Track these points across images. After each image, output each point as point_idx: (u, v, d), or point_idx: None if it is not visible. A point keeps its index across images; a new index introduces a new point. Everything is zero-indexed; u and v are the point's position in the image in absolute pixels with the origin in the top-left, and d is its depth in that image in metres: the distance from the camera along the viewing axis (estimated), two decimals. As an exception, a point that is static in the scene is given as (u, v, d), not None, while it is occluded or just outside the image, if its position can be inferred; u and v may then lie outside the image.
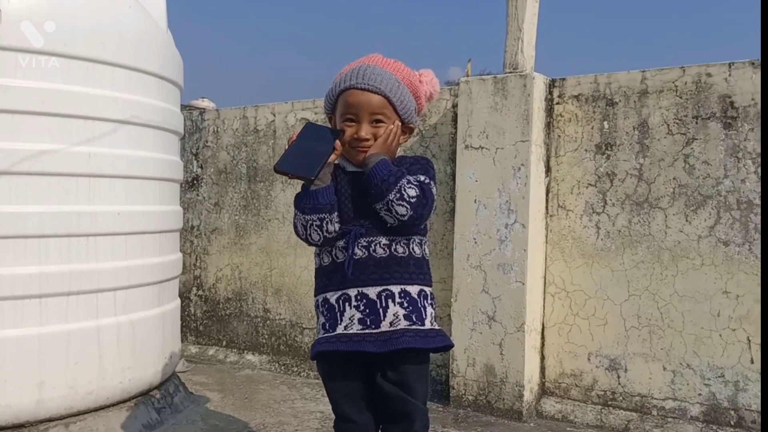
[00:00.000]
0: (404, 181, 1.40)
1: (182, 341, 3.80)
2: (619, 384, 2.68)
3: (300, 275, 3.50)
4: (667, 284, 2.57)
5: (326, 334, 1.47)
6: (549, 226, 2.83)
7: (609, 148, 2.70)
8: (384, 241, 1.45)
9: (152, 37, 2.59)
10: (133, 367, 2.50)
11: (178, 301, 2.97)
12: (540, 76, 2.76)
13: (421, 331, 1.44)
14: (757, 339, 2.42)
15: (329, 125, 1.57)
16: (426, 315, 1.47)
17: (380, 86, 1.45)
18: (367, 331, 1.43)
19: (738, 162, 2.45)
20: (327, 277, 1.50)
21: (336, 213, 1.45)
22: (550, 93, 2.82)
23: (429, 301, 1.50)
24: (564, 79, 2.80)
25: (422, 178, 1.45)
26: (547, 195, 2.83)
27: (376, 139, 1.46)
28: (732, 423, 2.46)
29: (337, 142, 1.44)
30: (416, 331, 1.43)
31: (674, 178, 2.56)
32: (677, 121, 2.56)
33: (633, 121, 2.64)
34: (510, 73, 2.78)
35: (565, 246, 2.79)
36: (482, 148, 2.79)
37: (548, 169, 2.83)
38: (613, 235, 2.69)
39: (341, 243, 1.46)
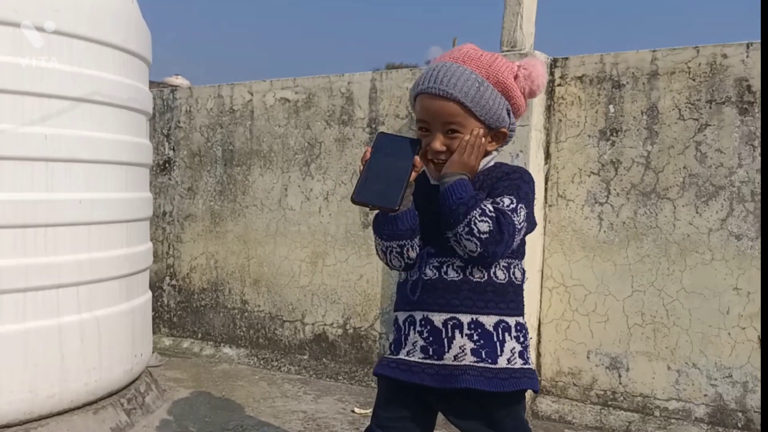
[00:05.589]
0: (476, 212, 1.19)
1: (155, 333, 3.60)
2: (620, 383, 2.54)
3: (279, 265, 3.30)
4: (674, 280, 2.43)
5: (390, 356, 1.34)
6: (548, 217, 2.66)
7: (614, 134, 2.52)
8: (458, 262, 1.27)
9: (115, 7, 2.34)
10: (100, 367, 2.33)
11: (149, 294, 2.76)
12: (541, 55, 2.57)
13: (488, 371, 1.23)
14: None
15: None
16: (502, 351, 1.25)
17: (453, 91, 1.24)
18: (428, 361, 1.26)
19: (753, 150, 2.29)
20: (400, 295, 1.36)
21: (417, 237, 1.28)
22: (552, 74, 2.63)
23: (512, 335, 1.28)
24: (567, 58, 2.61)
25: (507, 201, 1.22)
26: (546, 183, 2.65)
27: (452, 152, 1.27)
28: (739, 425, 2.34)
29: (416, 158, 1.25)
30: (482, 370, 1.23)
31: (684, 167, 2.40)
32: (689, 105, 2.39)
33: (641, 105, 2.47)
34: (508, 51, 2.58)
35: (564, 238, 2.63)
36: (478, 132, 2.60)
37: (548, 156, 2.65)
38: (616, 227, 2.53)
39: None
